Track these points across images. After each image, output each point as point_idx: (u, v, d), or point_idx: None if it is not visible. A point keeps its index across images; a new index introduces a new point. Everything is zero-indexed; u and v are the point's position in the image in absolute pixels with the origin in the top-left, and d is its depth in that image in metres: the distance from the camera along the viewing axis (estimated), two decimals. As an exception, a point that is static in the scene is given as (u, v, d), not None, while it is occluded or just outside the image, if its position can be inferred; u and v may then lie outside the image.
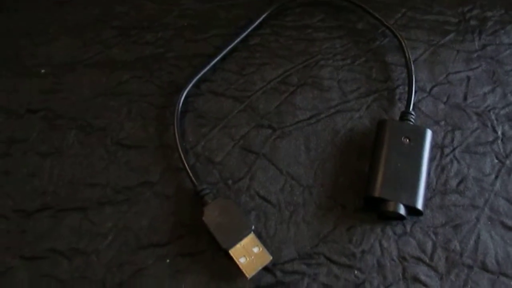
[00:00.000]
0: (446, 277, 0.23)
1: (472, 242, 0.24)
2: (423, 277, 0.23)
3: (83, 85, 0.29)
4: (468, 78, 0.30)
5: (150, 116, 0.28)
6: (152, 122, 0.28)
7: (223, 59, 0.30)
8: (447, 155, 0.27)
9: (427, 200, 0.25)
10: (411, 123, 0.27)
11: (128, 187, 0.26)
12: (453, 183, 0.26)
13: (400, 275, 0.23)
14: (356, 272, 0.23)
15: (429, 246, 0.24)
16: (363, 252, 0.24)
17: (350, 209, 0.25)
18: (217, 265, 0.23)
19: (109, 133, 0.27)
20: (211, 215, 0.23)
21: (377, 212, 0.24)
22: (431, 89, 0.29)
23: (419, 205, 0.24)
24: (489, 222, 0.25)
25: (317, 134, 0.27)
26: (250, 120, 0.28)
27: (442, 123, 0.28)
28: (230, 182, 0.26)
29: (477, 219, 0.25)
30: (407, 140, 0.25)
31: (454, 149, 0.27)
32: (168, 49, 0.31)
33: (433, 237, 0.24)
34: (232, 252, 0.22)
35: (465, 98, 0.29)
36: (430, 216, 0.25)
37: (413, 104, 0.28)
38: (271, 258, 0.22)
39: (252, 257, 0.22)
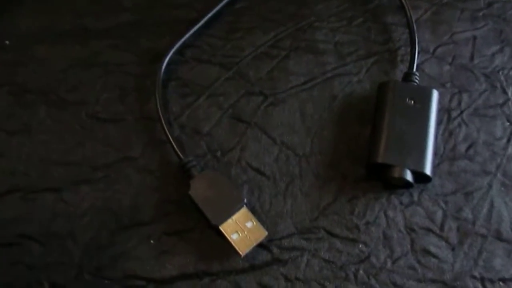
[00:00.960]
0: (458, 248, 0.21)
1: (485, 210, 0.22)
2: (433, 249, 0.21)
3: (54, 57, 0.26)
4: (474, 37, 0.28)
5: (129, 87, 0.25)
6: (131, 93, 0.25)
7: (207, 24, 0.27)
8: (454, 119, 0.25)
9: (435, 165, 0.23)
10: (416, 84, 0.24)
11: (107, 163, 0.23)
12: (462, 148, 0.24)
13: (409, 247, 0.21)
14: (360, 245, 0.21)
15: (439, 215, 0.22)
16: (367, 224, 0.22)
17: (352, 178, 0.23)
18: (207, 244, 0.21)
19: (83, 107, 0.25)
20: (199, 189, 0.21)
21: (382, 180, 0.22)
22: (434, 50, 0.27)
23: (427, 170, 0.21)
24: (503, 188, 0.23)
25: (313, 100, 0.25)
26: (239, 87, 0.25)
27: (448, 85, 0.26)
28: (219, 154, 0.23)
29: (490, 185, 0.23)
30: (412, 102, 0.23)
31: (461, 112, 0.25)
32: (147, 15, 0.28)
33: (443, 205, 0.22)
34: (223, 228, 0.20)
35: (471, 59, 0.27)
36: (438, 183, 0.23)
37: (417, 65, 0.26)
38: (266, 233, 0.20)
39: (246, 233, 0.20)
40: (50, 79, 0.26)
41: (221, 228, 0.20)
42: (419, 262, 0.21)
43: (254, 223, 0.20)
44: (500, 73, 0.26)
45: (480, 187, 0.23)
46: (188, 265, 0.21)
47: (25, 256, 0.21)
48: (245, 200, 0.21)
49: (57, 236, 0.21)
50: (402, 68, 0.26)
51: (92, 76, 0.26)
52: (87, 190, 0.22)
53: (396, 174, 0.21)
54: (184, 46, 0.27)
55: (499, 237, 0.22)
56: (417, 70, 0.26)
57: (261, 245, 0.21)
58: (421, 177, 0.22)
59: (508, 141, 0.24)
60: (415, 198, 0.22)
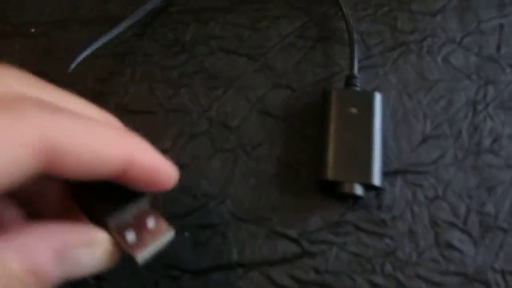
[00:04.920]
0: (480, 241, 0.22)
1: (507, 204, 0.23)
2: (456, 243, 0.22)
3: (79, 45, 0.26)
4: (501, 26, 0.27)
5: (157, 79, 0.25)
6: (159, 85, 0.25)
7: (232, 12, 0.27)
8: (480, 112, 0.25)
9: (384, 173, 0.23)
10: (357, 88, 0.24)
11: (138, 156, 0.24)
12: (487, 142, 0.24)
13: (433, 241, 0.22)
14: (386, 240, 0.22)
15: (462, 210, 0.23)
16: (393, 218, 0.22)
17: (378, 173, 0.23)
18: (240, 236, 0.22)
19: (112, 98, 0.25)
20: None
21: (333, 192, 0.22)
22: (461, 40, 0.27)
23: (376, 181, 0.21)
24: (525, 183, 0.23)
25: (340, 93, 0.25)
26: (267, 80, 0.26)
27: (474, 77, 0.26)
28: (249, 148, 0.24)
29: (512, 179, 0.23)
30: (355, 110, 0.23)
31: (487, 106, 0.25)
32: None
33: (467, 200, 0.23)
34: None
35: (498, 49, 0.27)
36: (463, 178, 0.23)
37: (440, 56, 0.26)
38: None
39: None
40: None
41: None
42: (442, 255, 0.22)
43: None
44: (527, 64, 0.26)
45: (503, 181, 0.23)
46: (222, 257, 0.21)
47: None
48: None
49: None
50: (429, 59, 0.26)
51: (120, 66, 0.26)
52: (120, 182, 0.23)
53: (346, 189, 0.21)
54: (210, 36, 0.26)
55: (519, 230, 0.22)
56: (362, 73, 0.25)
57: (291, 239, 0.22)
58: (371, 186, 0.22)
59: (532, 135, 0.25)
60: (440, 193, 0.23)
